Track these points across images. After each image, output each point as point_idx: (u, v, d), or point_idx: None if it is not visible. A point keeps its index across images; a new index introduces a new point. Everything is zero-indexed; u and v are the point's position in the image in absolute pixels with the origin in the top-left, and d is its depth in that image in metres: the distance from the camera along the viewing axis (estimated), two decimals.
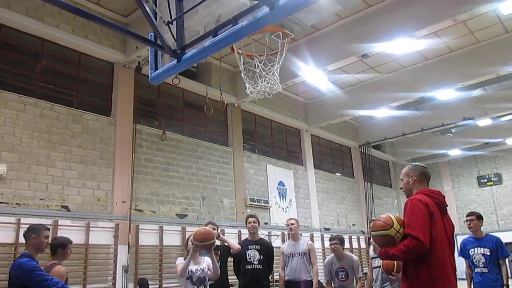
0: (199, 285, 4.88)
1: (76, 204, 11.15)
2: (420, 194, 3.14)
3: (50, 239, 4.77)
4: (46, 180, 10.75)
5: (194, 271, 4.91)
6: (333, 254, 6.04)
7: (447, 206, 3.22)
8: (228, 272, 5.92)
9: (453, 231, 3.19)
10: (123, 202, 12.02)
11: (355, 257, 6.06)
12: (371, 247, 6.00)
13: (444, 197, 3.22)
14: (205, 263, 5.06)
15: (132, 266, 11.77)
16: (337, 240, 5.89)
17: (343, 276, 5.68)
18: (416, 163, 3.47)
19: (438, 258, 2.85)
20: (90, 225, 11.11)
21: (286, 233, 13.53)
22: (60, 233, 10.49)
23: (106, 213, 11.71)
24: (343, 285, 5.67)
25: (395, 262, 4.95)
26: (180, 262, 5.04)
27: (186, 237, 5.43)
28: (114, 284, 11.39)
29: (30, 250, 4.25)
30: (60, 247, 4.78)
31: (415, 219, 2.88)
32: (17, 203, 10.14)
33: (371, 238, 5.83)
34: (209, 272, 4.92)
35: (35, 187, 10.52)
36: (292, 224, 6.33)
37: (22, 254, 4.26)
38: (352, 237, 20.01)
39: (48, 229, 4.50)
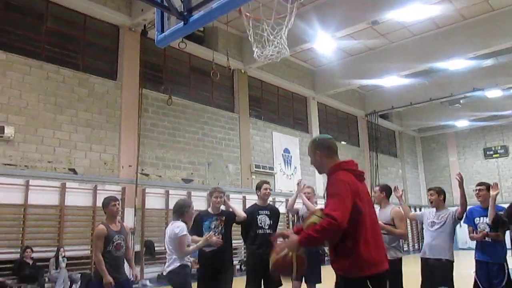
0: None
1: (83, 167, 11.27)
2: (340, 171, 2.99)
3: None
4: (53, 143, 10.83)
5: (190, 240, 5.22)
6: None
7: (364, 173, 3.14)
8: (232, 238, 5.98)
9: (369, 194, 3.16)
10: (130, 166, 12.13)
11: None
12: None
13: (357, 164, 3.12)
14: None
15: (138, 229, 12.00)
16: None
17: None
18: (318, 137, 3.26)
19: (367, 230, 2.84)
20: (97, 188, 11.26)
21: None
22: (67, 196, 10.69)
23: (113, 176, 11.84)
24: None
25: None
26: (186, 231, 5.03)
27: (183, 203, 5.39)
28: None
29: None
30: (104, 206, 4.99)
31: (334, 200, 2.80)
32: (25, 165, 10.26)
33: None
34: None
35: (43, 150, 10.60)
36: (308, 193, 6.36)
37: None
38: None
39: None
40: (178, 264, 4.75)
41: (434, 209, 5.53)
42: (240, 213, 5.58)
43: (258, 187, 6.08)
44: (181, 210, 5.05)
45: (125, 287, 4.81)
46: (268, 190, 6.01)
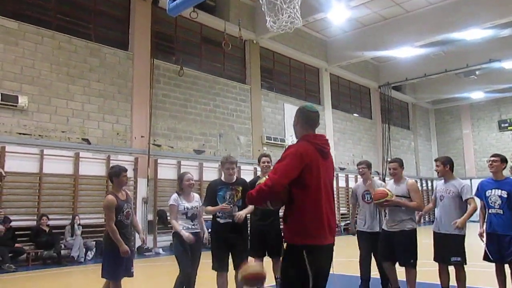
0: (193, 220, 5.30)
1: (96, 138, 11.40)
2: (302, 141, 3.09)
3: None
4: (67, 113, 10.93)
5: (189, 208, 5.27)
6: (361, 180, 6.11)
7: (328, 149, 3.18)
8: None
9: (333, 171, 3.27)
10: (142, 136, 12.23)
11: (379, 181, 6.16)
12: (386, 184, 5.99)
13: (326, 140, 3.19)
14: (197, 201, 5.43)
15: (151, 198, 12.20)
16: (365, 165, 5.97)
17: (369, 198, 5.83)
18: (305, 106, 3.29)
19: (312, 203, 2.94)
20: (110, 158, 11.40)
21: None
22: (81, 165, 10.87)
23: (126, 147, 11.97)
24: (369, 207, 5.83)
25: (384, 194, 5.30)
26: (174, 202, 5.26)
27: (179, 176, 5.57)
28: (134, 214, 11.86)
29: None
30: (115, 176, 4.86)
31: (279, 164, 2.94)
32: (39, 135, 10.40)
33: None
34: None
35: (56, 119, 10.72)
36: (394, 168, 6.01)
37: None
38: None
39: None
40: (172, 232, 5.18)
41: (443, 181, 5.52)
42: (250, 210, 5.46)
43: (258, 161, 5.99)
44: (178, 183, 5.41)
45: (131, 257, 4.91)
46: (267, 163, 5.86)
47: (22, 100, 10.04)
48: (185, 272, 5.01)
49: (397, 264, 5.46)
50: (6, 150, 9.71)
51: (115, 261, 4.66)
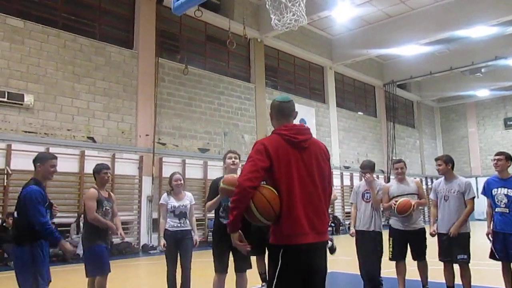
0: (180, 218, 5.46)
1: (101, 136, 11.44)
2: (271, 134, 2.93)
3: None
4: (72, 112, 10.98)
5: (176, 207, 5.44)
6: (363, 180, 6.13)
7: (301, 138, 2.88)
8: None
9: (323, 159, 2.95)
10: (147, 135, 12.27)
11: (379, 181, 6.20)
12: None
13: (299, 129, 2.91)
14: (188, 200, 5.57)
15: (156, 197, 12.22)
16: (368, 168, 6.00)
17: (368, 198, 5.86)
18: (276, 98, 3.12)
19: (284, 200, 2.74)
20: (116, 157, 11.44)
21: None
22: (86, 164, 10.90)
23: (131, 145, 12.01)
24: (367, 205, 5.85)
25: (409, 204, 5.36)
26: (163, 201, 5.55)
27: (170, 176, 5.66)
28: (139, 213, 11.92)
29: (39, 177, 4.36)
30: (96, 172, 5.01)
31: (245, 164, 2.77)
32: (45, 133, 10.46)
33: None
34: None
35: (62, 118, 10.77)
36: (401, 168, 5.84)
37: (31, 179, 4.35)
38: None
39: (55, 158, 4.50)
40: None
41: (443, 180, 5.49)
42: None
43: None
44: (169, 182, 5.63)
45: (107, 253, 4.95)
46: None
47: (28, 99, 10.09)
48: (168, 268, 5.35)
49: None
50: (12, 148, 9.76)
51: (98, 255, 4.74)
